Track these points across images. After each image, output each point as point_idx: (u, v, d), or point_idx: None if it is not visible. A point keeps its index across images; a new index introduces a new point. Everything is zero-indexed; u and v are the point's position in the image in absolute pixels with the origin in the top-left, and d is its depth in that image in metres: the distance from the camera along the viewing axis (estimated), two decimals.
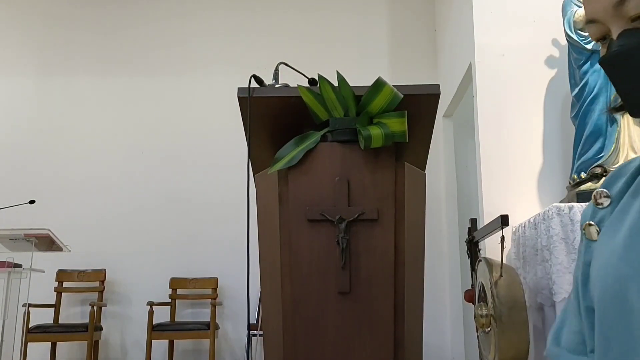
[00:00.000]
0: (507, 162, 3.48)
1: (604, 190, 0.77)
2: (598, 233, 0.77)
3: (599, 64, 0.71)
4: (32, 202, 4.35)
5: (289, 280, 1.92)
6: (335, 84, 1.94)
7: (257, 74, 2.07)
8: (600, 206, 0.77)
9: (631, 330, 0.70)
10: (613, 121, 2.94)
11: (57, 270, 4.92)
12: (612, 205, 0.76)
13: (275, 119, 2.08)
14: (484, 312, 2.60)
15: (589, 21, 0.73)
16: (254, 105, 2.01)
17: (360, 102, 1.94)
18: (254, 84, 2.03)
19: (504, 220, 2.51)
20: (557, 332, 0.84)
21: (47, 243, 4.06)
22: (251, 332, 4.24)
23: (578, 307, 0.80)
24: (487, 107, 3.57)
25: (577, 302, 0.81)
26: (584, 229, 0.78)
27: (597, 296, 0.74)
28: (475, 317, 2.68)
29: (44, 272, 4.35)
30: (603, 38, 0.73)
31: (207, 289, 4.98)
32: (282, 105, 2.04)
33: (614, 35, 0.70)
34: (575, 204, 2.61)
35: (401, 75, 5.28)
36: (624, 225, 0.72)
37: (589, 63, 3.04)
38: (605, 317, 0.73)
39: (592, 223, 0.78)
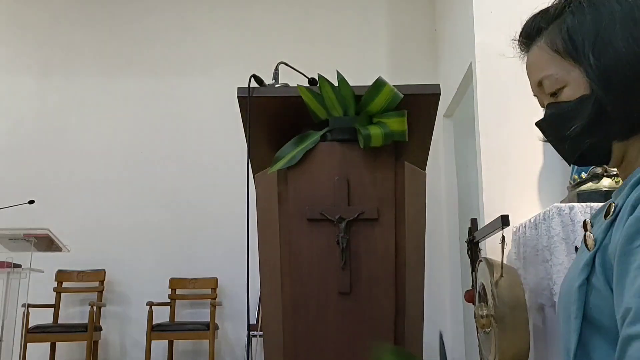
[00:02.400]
0: (507, 162, 3.48)
1: (589, 220, 0.92)
2: None
3: (535, 125, 0.96)
4: (31, 202, 4.35)
5: (289, 280, 1.91)
6: (335, 83, 1.93)
7: (257, 74, 2.06)
8: (588, 249, 0.89)
9: (568, 331, 0.83)
10: None
11: (56, 271, 4.92)
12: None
13: (275, 118, 2.08)
14: (485, 312, 2.59)
15: (534, 95, 0.98)
16: (254, 105, 2.01)
17: (360, 102, 1.94)
18: (253, 84, 2.03)
19: (504, 221, 2.51)
20: None
21: (46, 243, 4.06)
22: (251, 332, 4.24)
23: None
24: (487, 107, 3.57)
25: None
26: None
27: (557, 307, 0.91)
28: (475, 317, 2.67)
29: (43, 272, 4.34)
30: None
31: (207, 289, 4.97)
32: (282, 105, 2.03)
33: (545, 106, 0.94)
34: (575, 204, 2.60)
35: (401, 75, 5.28)
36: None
37: None
38: (560, 325, 0.86)
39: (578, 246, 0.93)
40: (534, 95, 0.97)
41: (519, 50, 1.00)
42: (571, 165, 3.12)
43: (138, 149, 5.34)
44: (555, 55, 0.90)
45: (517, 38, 0.99)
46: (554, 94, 0.91)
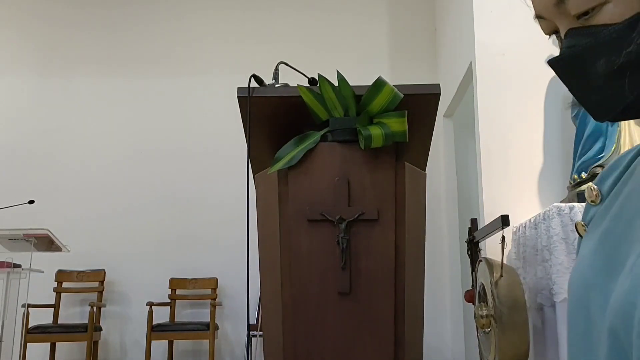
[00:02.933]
0: (507, 162, 3.48)
1: (595, 186, 0.70)
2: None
3: (548, 64, 0.66)
4: (31, 202, 4.35)
5: (289, 281, 1.91)
6: (336, 83, 1.93)
7: (256, 74, 2.06)
8: (592, 203, 0.70)
9: (591, 344, 0.64)
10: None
11: (56, 271, 4.92)
12: (602, 203, 0.69)
13: (275, 118, 2.08)
14: (484, 312, 2.59)
15: (537, 16, 0.68)
16: (254, 105, 2.00)
17: (361, 102, 1.94)
18: (253, 84, 2.02)
19: (504, 221, 2.51)
20: None
21: (46, 243, 4.06)
22: (251, 332, 4.24)
23: None
24: (487, 106, 3.57)
25: None
26: (576, 227, 0.73)
27: (568, 300, 0.70)
28: (475, 317, 2.67)
29: (43, 272, 4.34)
30: (555, 32, 0.67)
31: (207, 289, 4.97)
32: (282, 105, 2.03)
33: (562, 34, 0.64)
34: (575, 204, 2.60)
35: (401, 75, 5.28)
36: (600, 227, 0.67)
37: None
38: (571, 324, 0.69)
39: (582, 222, 0.72)
40: (539, 17, 0.68)
41: None
42: (572, 165, 3.12)
43: (138, 149, 5.34)
44: None
45: None
46: (583, 15, 0.61)
